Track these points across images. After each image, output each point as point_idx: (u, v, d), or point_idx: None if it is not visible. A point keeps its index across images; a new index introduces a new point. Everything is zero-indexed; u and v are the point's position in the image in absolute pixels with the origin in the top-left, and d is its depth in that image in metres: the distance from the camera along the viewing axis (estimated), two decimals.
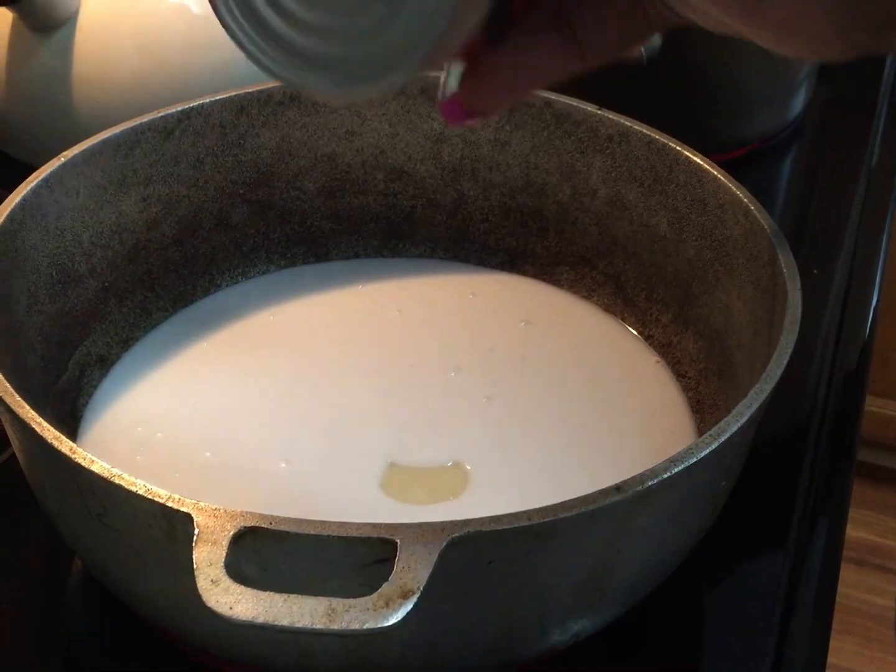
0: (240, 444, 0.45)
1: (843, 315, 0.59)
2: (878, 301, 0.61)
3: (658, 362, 0.50)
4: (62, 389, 0.46)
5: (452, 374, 0.49)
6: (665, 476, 0.34)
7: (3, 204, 0.43)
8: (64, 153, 0.46)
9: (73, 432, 0.46)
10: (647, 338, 0.52)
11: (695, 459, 0.34)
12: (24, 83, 0.64)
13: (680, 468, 0.34)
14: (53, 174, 0.46)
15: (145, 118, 0.49)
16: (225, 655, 0.37)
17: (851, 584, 1.42)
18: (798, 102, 0.74)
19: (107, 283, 0.49)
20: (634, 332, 0.52)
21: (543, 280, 0.55)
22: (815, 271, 0.61)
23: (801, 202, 0.72)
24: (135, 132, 0.48)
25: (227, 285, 0.54)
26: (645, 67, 0.56)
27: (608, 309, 0.53)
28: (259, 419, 0.47)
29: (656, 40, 0.61)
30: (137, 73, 0.63)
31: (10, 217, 0.43)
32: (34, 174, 0.45)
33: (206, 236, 0.53)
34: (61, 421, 0.45)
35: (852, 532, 1.16)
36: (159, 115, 0.49)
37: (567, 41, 0.31)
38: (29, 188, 0.44)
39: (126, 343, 0.50)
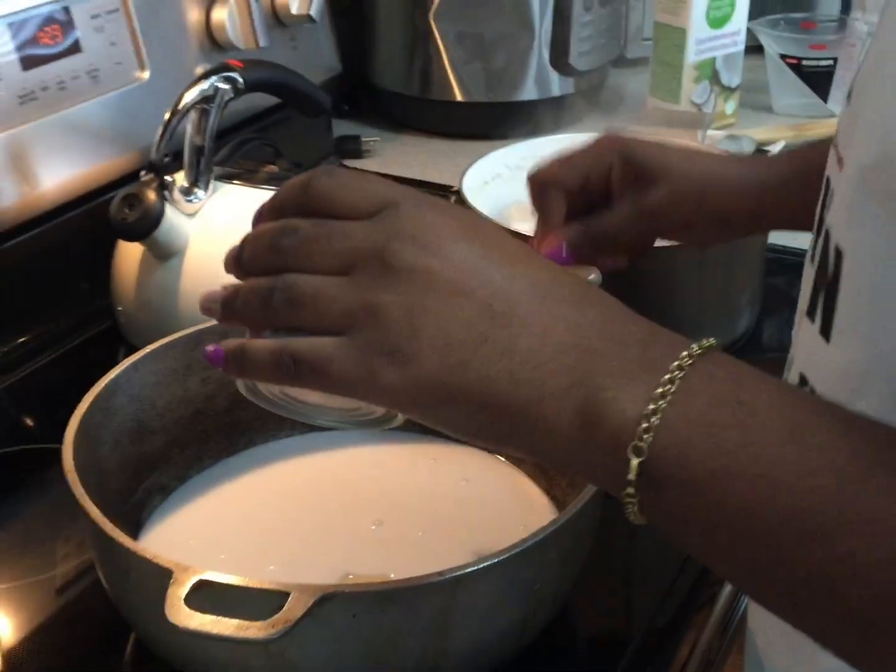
0: (243, 549, 0.66)
1: None
2: None
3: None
4: (131, 507, 0.68)
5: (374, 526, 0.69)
6: (477, 567, 0.52)
7: (102, 378, 0.66)
8: (150, 346, 0.69)
9: (134, 537, 0.67)
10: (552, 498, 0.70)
11: (502, 558, 0.52)
12: (146, 294, 0.88)
13: (488, 563, 0.52)
14: (140, 359, 0.68)
15: (206, 325, 0.71)
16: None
17: None
18: (742, 323, 0.92)
19: (172, 437, 0.71)
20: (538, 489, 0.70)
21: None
22: None
23: None
24: (199, 333, 0.71)
25: (260, 443, 0.76)
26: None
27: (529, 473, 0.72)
28: (259, 534, 0.67)
29: (595, 278, 0.80)
30: None
31: (106, 386, 0.66)
32: (126, 359, 0.68)
33: (247, 407, 0.75)
34: (127, 530, 0.66)
35: None
36: (216, 324, 0.71)
37: None
38: (122, 368, 0.67)
39: (182, 479, 0.72)
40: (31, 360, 0.91)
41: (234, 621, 0.49)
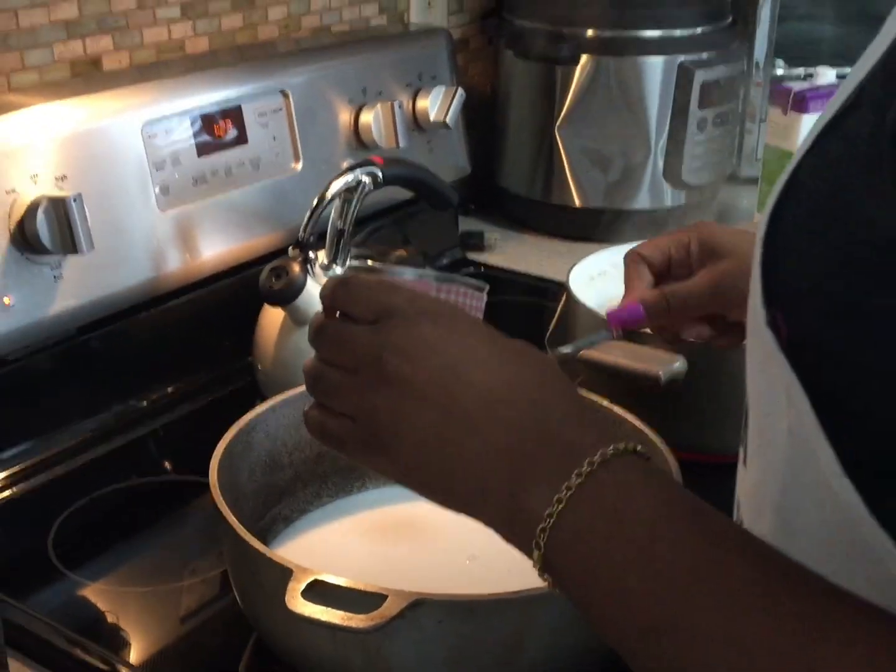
0: (352, 567, 0.76)
1: None
2: None
3: None
4: (258, 531, 0.79)
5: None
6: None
7: (246, 415, 0.78)
8: (285, 393, 0.81)
9: None
10: None
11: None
12: (283, 354, 1.01)
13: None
14: (277, 403, 0.80)
15: None
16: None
17: None
18: None
19: (297, 474, 0.83)
20: None
21: None
22: None
23: None
24: None
25: (372, 487, 0.86)
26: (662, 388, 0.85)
27: None
28: (366, 559, 0.77)
29: (679, 367, 0.89)
30: None
31: (248, 422, 0.78)
32: (266, 402, 0.80)
33: None
34: None
35: None
36: None
37: None
38: (263, 408, 0.79)
39: (303, 511, 0.83)
40: (179, 406, 1.05)
41: (340, 612, 0.59)
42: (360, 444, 0.52)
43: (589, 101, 1.39)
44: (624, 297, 0.81)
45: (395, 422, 0.50)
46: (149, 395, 1.03)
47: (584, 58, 1.38)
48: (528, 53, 1.42)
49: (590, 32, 1.38)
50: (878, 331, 0.42)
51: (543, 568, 0.46)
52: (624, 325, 0.81)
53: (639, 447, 0.47)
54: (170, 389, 1.06)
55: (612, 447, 0.46)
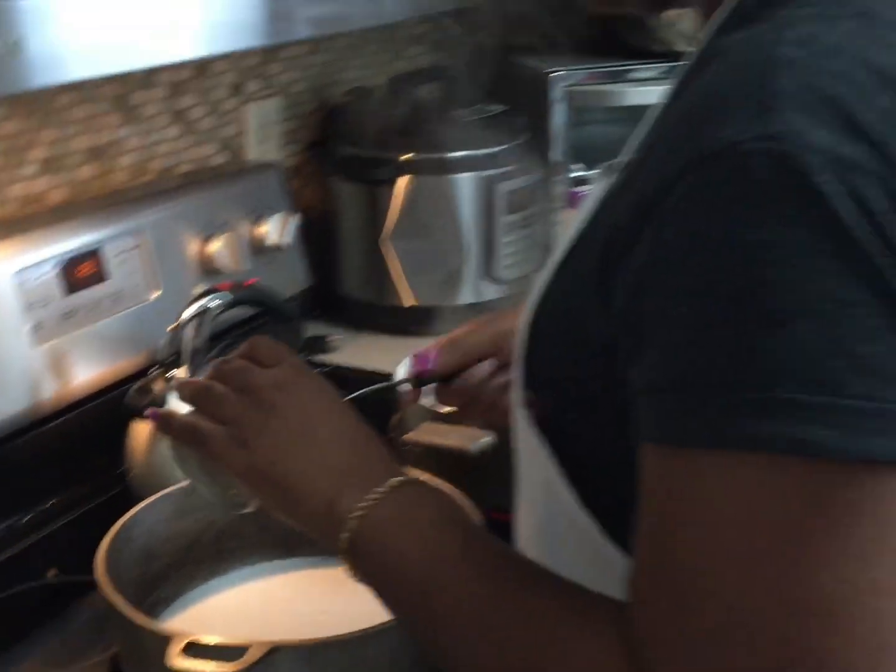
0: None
1: None
2: None
3: None
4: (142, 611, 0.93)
5: None
6: (373, 629, 0.77)
7: (127, 513, 0.92)
8: (160, 492, 0.96)
9: None
10: None
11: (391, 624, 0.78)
12: (153, 459, 1.15)
13: (382, 627, 0.77)
14: (153, 501, 0.95)
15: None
16: None
17: None
18: None
19: (172, 560, 0.97)
20: None
21: None
22: None
23: None
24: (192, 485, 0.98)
25: (239, 567, 1.01)
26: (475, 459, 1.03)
27: None
28: (235, 627, 0.92)
29: (486, 441, 1.08)
30: None
31: (130, 518, 0.92)
32: (144, 501, 0.95)
33: (229, 540, 1.01)
34: None
35: None
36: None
37: None
38: (142, 506, 0.94)
39: (179, 593, 0.97)
40: (61, 517, 1.18)
41: (212, 663, 0.74)
42: (224, 442, 0.69)
43: (410, 214, 1.58)
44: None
45: (260, 430, 0.68)
46: (32, 508, 1.16)
47: (401, 179, 1.58)
48: (353, 177, 1.61)
49: (405, 156, 1.58)
50: (595, 411, 0.60)
51: (351, 538, 0.63)
52: (422, 365, 0.98)
53: (425, 480, 0.68)
54: (51, 503, 1.19)
55: (406, 476, 0.66)
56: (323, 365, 1.54)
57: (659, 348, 0.51)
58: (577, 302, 0.60)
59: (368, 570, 0.64)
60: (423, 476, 0.96)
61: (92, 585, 0.87)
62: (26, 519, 1.15)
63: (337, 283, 1.69)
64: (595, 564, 0.62)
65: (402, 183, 1.58)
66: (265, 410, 0.68)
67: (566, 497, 0.63)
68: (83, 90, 1.30)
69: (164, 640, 0.77)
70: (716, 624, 0.49)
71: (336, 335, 1.62)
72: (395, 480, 0.65)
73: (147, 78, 1.39)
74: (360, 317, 1.67)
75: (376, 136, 1.60)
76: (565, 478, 0.63)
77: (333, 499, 0.65)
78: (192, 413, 0.72)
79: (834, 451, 0.47)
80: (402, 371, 1.19)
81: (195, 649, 0.76)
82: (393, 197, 1.59)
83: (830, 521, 0.47)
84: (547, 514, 0.67)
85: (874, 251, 0.46)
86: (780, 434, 0.47)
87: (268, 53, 1.60)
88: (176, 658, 0.75)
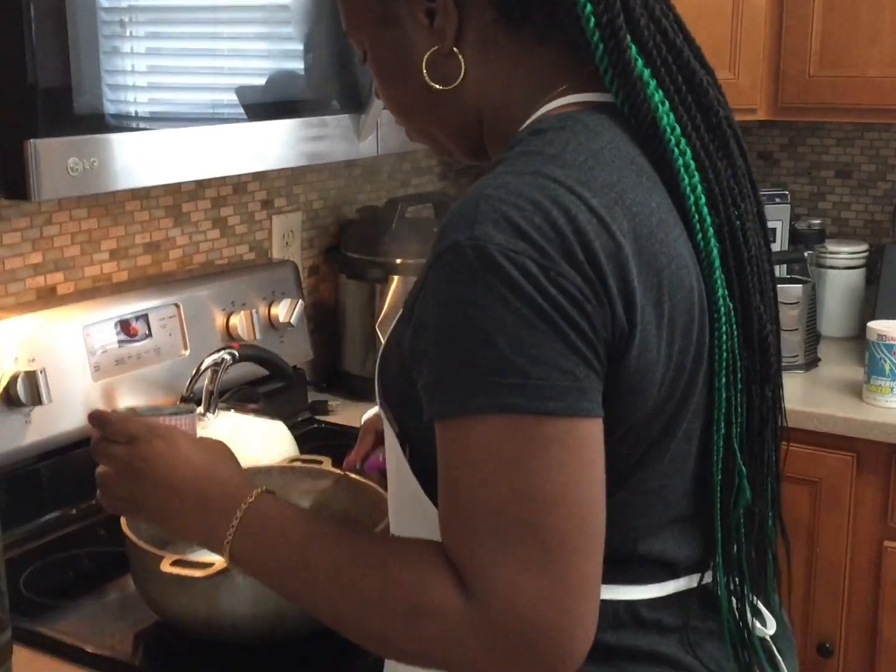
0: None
1: None
2: None
3: None
4: None
5: None
6: None
7: None
8: None
9: None
10: None
11: None
12: None
13: None
14: None
15: None
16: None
17: None
18: None
19: None
20: None
21: None
22: None
23: None
24: None
25: None
26: None
27: None
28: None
29: None
30: None
31: None
32: None
33: None
34: None
35: None
36: None
37: None
38: None
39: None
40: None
41: (190, 570, 1.11)
42: (108, 499, 0.96)
43: (399, 305, 1.98)
44: (356, 450, 1.33)
45: (139, 494, 0.94)
46: (83, 501, 1.54)
47: (394, 278, 1.99)
48: (356, 276, 2.03)
49: (398, 260, 1.99)
50: (420, 413, 0.81)
51: (231, 558, 0.88)
52: (378, 469, 1.32)
53: (274, 492, 0.91)
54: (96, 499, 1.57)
55: (261, 490, 0.90)
56: (321, 422, 1.93)
57: (426, 363, 0.80)
58: (400, 345, 0.87)
59: (251, 571, 0.89)
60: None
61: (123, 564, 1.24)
62: (79, 508, 1.54)
63: (341, 361, 2.09)
64: (426, 520, 0.85)
65: (394, 281, 1.99)
66: (136, 480, 0.93)
67: (411, 483, 0.90)
68: (146, 199, 1.74)
69: (159, 558, 1.14)
70: (487, 530, 0.76)
71: (335, 401, 2.01)
72: (247, 500, 0.88)
73: (195, 191, 1.83)
74: (358, 389, 2.06)
75: (373, 245, 2.01)
76: (408, 458, 0.89)
77: (206, 535, 0.90)
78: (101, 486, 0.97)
79: (528, 409, 0.76)
80: (365, 421, 1.57)
81: (180, 564, 1.13)
82: (386, 292, 1.99)
83: (535, 450, 0.76)
84: (401, 495, 0.94)
85: (534, 293, 0.75)
86: (496, 402, 0.76)
87: (290, 178, 2.03)
88: (167, 567, 1.12)
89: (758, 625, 0.93)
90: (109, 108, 1.28)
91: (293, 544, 0.86)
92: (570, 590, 0.76)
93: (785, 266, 2.19)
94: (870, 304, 2.27)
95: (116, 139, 1.27)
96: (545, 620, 0.75)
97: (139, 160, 1.30)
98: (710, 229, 0.85)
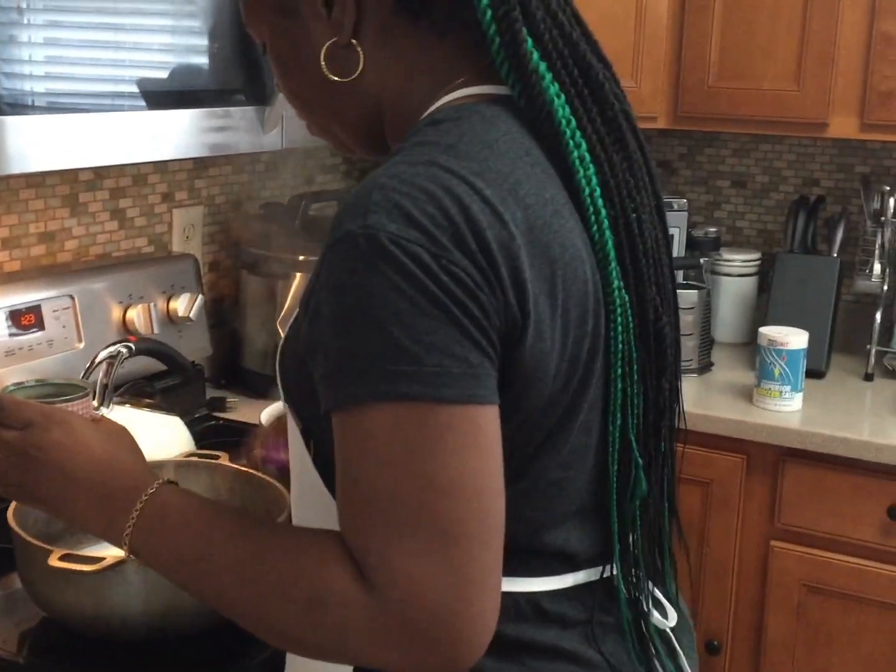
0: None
1: None
2: None
3: None
4: None
5: None
6: None
7: None
8: None
9: None
10: None
11: None
12: None
13: None
14: None
15: None
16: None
17: None
18: None
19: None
20: None
21: None
22: None
23: None
24: None
25: None
26: None
27: None
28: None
29: None
30: None
31: None
32: None
33: None
34: None
35: None
36: None
37: None
38: None
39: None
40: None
41: (78, 565, 1.09)
42: (13, 489, 0.93)
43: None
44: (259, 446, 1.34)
45: (32, 483, 0.91)
46: None
47: (296, 275, 1.97)
48: (257, 272, 2.01)
49: (301, 257, 1.98)
50: (316, 404, 0.80)
51: (130, 550, 0.87)
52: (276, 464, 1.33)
53: (177, 482, 0.91)
54: None
55: (163, 480, 0.89)
56: (219, 419, 1.91)
57: (321, 353, 0.79)
58: (298, 339, 0.85)
59: (150, 563, 0.87)
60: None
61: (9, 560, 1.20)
62: None
63: (240, 358, 2.06)
64: (329, 516, 0.83)
65: (296, 278, 1.97)
66: (32, 469, 0.90)
67: (311, 468, 0.89)
68: (41, 187, 1.70)
69: (47, 552, 1.11)
70: (384, 519, 0.76)
71: (234, 398, 1.99)
72: (148, 490, 0.87)
73: (93, 181, 1.79)
74: (257, 385, 2.04)
75: (274, 241, 2.00)
76: (311, 454, 0.89)
77: (105, 526, 0.88)
78: None
79: (422, 396, 0.75)
80: (264, 417, 1.56)
81: (69, 559, 1.10)
82: (288, 288, 1.98)
83: (430, 437, 0.75)
84: (304, 485, 0.92)
85: (426, 281, 0.76)
86: (390, 390, 0.75)
87: (192, 172, 2.01)
88: (55, 561, 1.09)
89: (658, 616, 0.94)
90: (4, 94, 1.24)
91: (194, 536, 0.84)
92: (468, 579, 0.76)
93: (681, 272, 2.24)
94: (761, 311, 2.33)
95: (10, 122, 1.24)
96: (444, 610, 0.75)
97: (33, 144, 1.27)
98: (605, 221, 0.85)
